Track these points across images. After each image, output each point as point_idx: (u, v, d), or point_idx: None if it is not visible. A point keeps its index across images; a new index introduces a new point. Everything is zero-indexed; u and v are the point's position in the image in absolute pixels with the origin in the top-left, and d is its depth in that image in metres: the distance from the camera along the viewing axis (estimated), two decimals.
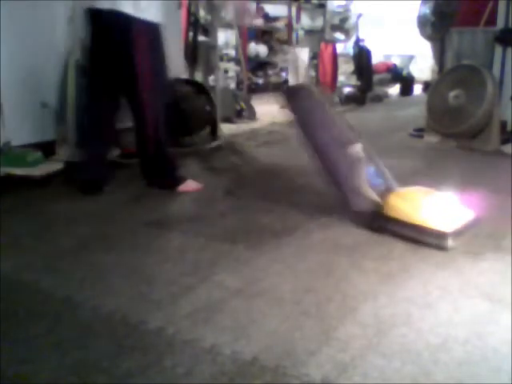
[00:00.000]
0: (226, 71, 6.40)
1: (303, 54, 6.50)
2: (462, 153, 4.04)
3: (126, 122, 3.03)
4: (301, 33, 8.84)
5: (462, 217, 2.24)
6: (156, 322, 1.61)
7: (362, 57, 7.04)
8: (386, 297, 1.77)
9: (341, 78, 7.20)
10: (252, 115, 5.65)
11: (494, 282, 1.88)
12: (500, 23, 4.20)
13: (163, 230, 2.41)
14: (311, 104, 2.60)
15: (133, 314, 1.66)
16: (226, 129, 4.73)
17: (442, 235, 2.14)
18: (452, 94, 4.12)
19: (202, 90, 4.29)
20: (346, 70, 7.55)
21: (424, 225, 2.18)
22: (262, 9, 8.53)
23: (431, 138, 4.38)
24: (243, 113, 5.58)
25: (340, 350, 1.46)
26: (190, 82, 4.37)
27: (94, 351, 1.46)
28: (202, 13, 5.25)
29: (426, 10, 5.00)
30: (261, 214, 2.60)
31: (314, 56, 6.92)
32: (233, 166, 3.66)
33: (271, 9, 8.71)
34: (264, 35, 8.63)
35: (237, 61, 6.90)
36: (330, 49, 6.67)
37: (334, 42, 7.42)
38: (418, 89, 8.42)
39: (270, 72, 8.73)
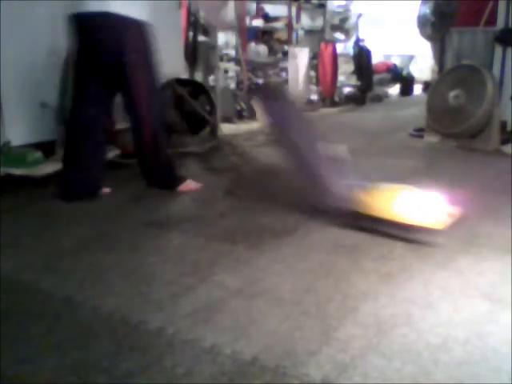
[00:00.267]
0: (226, 71, 6.40)
1: (303, 54, 6.50)
2: (462, 153, 4.04)
3: (124, 121, 3.03)
4: (301, 33, 8.83)
5: (439, 213, 2.23)
6: (156, 322, 1.61)
7: (362, 57, 7.04)
8: (386, 297, 1.77)
9: (341, 78, 7.20)
10: (252, 115, 5.65)
11: (494, 282, 1.88)
12: (500, 23, 4.20)
13: (163, 230, 2.41)
14: (283, 103, 2.61)
15: (133, 314, 1.66)
16: (226, 129, 4.73)
17: (417, 230, 2.20)
18: (452, 93, 4.12)
19: (202, 89, 4.30)
20: (346, 70, 7.54)
21: (400, 220, 2.22)
22: (262, 9, 8.53)
23: (431, 138, 4.38)
24: (243, 113, 5.58)
25: (340, 350, 1.46)
26: (190, 82, 4.37)
27: (94, 351, 1.46)
28: (202, 13, 5.24)
29: (426, 9, 5.00)
30: (261, 214, 2.60)
31: (314, 56, 6.92)
32: (233, 166, 3.66)
33: (271, 9, 8.71)
34: (264, 35, 8.63)
35: (237, 61, 6.91)
36: (329, 49, 6.67)
37: (334, 42, 7.41)
38: (418, 89, 8.42)
39: (270, 72, 8.74)
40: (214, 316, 1.65)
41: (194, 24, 4.85)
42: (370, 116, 6.25)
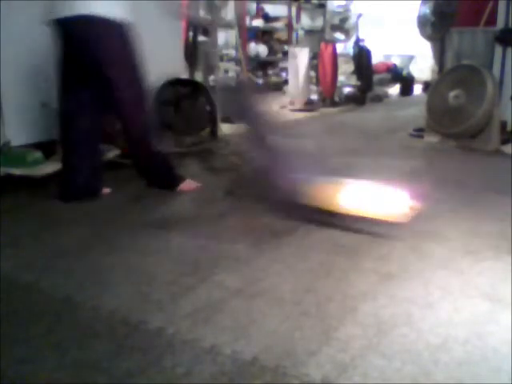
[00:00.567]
0: (226, 71, 6.40)
1: (303, 54, 6.50)
2: (461, 153, 4.04)
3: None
4: (301, 33, 8.84)
5: (397, 206, 2.28)
6: (156, 322, 1.61)
7: (362, 57, 7.04)
8: (386, 297, 1.77)
9: (341, 78, 7.20)
10: None
11: (494, 282, 1.88)
12: (500, 23, 4.20)
13: (163, 230, 2.41)
14: (241, 97, 2.62)
15: (133, 314, 1.66)
16: (225, 129, 4.73)
17: (362, 220, 2.28)
18: (452, 93, 4.11)
19: (202, 90, 4.29)
20: (346, 70, 7.55)
21: (347, 212, 2.32)
22: (262, 9, 8.54)
23: (431, 138, 4.38)
24: None
25: (340, 350, 1.46)
26: (190, 82, 4.37)
27: (94, 351, 1.46)
28: (202, 13, 5.24)
29: (426, 9, 5.00)
30: (261, 214, 2.60)
31: (314, 56, 6.91)
32: (233, 166, 3.66)
33: (271, 9, 8.72)
34: (264, 35, 8.64)
35: (237, 61, 6.91)
36: (330, 49, 6.66)
37: (334, 42, 7.41)
38: (418, 89, 8.42)
39: (270, 72, 8.74)
40: (213, 316, 1.65)
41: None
42: (370, 116, 6.25)
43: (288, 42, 8.60)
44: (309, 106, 6.48)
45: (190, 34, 4.79)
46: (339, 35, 9.26)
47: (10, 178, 2.91)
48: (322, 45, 6.77)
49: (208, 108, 4.27)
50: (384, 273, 1.95)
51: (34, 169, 3.01)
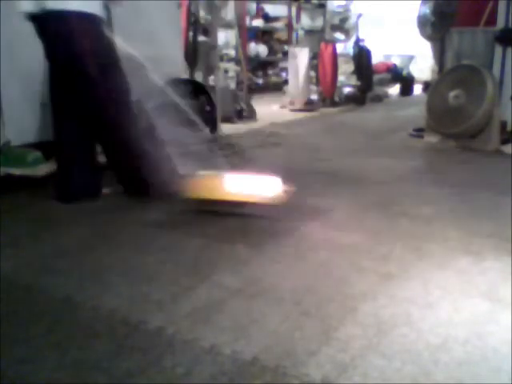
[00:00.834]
0: (226, 71, 6.40)
1: (303, 54, 6.50)
2: (461, 153, 4.04)
3: None
4: (301, 33, 8.84)
5: (273, 191, 2.46)
6: (156, 321, 1.61)
7: (362, 57, 7.04)
8: (386, 297, 1.77)
9: (341, 78, 7.20)
10: (252, 115, 5.65)
11: (494, 282, 1.88)
12: (500, 23, 4.20)
13: (163, 230, 2.41)
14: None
15: (133, 313, 1.66)
16: (225, 129, 4.73)
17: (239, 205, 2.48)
18: (452, 93, 4.11)
19: (202, 90, 4.30)
20: (346, 70, 7.55)
21: (228, 199, 2.48)
22: (262, 9, 8.54)
23: (431, 138, 4.38)
24: (243, 113, 5.59)
25: (340, 350, 1.46)
26: (190, 82, 4.37)
27: (94, 351, 1.46)
28: (201, 13, 5.25)
29: (426, 9, 4.99)
30: (260, 213, 2.59)
31: (314, 56, 6.92)
32: (233, 166, 3.66)
33: (271, 9, 8.72)
34: (264, 35, 8.64)
35: (237, 61, 6.91)
36: (330, 49, 6.66)
37: (334, 42, 7.41)
38: (418, 89, 8.42)
39: (270, 72, 8.74)
40: (213, 316, 1.65)
41: (193, 24, 4.85)
42: (370, 116, 6.25)
43: (288, 42, 8.60)
44: (309, 105, 6.49)
45: (190, 33, 4.79)
46: (339, 35, 9.26)
47: (10, 178, 2.91)
48: (322, 45, 6.77)
49: (208, 108, 4.27)
50: (384, 273, 1.95)
51: (34, 169, 3.00)
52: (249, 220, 2.52)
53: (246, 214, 2.52)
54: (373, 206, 2.74)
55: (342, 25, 9.46)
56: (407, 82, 8.40)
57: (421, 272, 1.96)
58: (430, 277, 1.92)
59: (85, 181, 2.82)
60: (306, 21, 9.25)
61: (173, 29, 4.14)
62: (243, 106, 5.61)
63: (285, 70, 8.03)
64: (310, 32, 9.02)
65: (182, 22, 4.65)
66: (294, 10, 8.62)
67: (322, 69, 6.69)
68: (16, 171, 2.93)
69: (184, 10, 4.69)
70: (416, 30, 5.25)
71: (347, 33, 9.27)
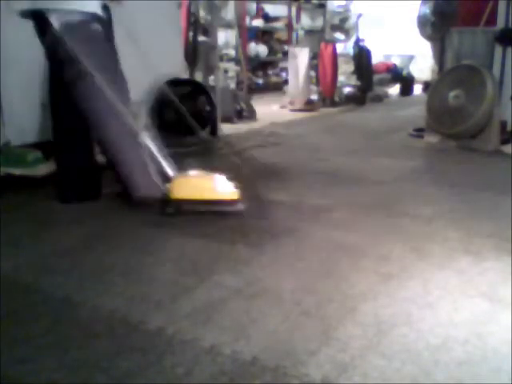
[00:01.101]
0: (225, 71, 6.41)
1: (303, 54, 6.50)
2: (461, 153, 4.04)
3: None
4: (301, 33, 8.85)
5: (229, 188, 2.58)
6: (156, 322, 1.61)
7: (362, 57, 7.04)
8: (385, 297, 1.77)
9: (341, 78, 7.20)
10: (252, 115, 5.65)
11: (494, 282, 1.88)
12: (500, 23, 4.20)
13: (163, 230, 2.41)
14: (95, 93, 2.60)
15: (133, 313, 1.66)
16: (226, 129, 4.73)
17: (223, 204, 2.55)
18: (452, 93, 4.12)
19: (202, 90, 4.30)
20: (345, 70, 7.55)
21: (213, 198, 2.55)
22: (262, 9, 8.54)
23: (431, 138, 4.38)
24: (243, 113, 5.59)
25: (340, 350, 1.46)
26: (190, 82, 4.37)
27: (94, 351, 1.46)
28: (202, 13, 5.25)
29: (426, 9, 5.00)
30: (260, 214, 2.59)
31: (314, 56, 6.92)
32: (233, 166, 3.66)
33: (271, 9, 8.72)
34: (264, 35, 8.64)
35: (237, 61, 6.91)
36: (329, 49, 6.66)
37: (334, 41, 7.42)
38: (418, 89, 8.42)
39: (270, 72, 8.74)
40: (213, 316, 1.65)
41: (193, 24, 4.85)
42: (370, 116, 6.25)
43: (288, 42, 8.60)
44: (309, 105, 6.48)
45: (190, 33, 4.79)
46: (339, 35, 9.27)
47: (10, 178, 2.91)
48: (322, 45, 6.77)
49: (208, 108, 4.27)
50: (384, 273, 1.95)
51: (34, 169, 3.00)
52: (249, 220, 2.52)
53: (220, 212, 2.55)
54: (373, 206, 2.74)
55: (342, 25, 9.46)
56: (407, 82, 8.40)
57: (421, 272, 1.96)
58: (430, 277, 1.92)
59: (85, 181, 2.82)
60: (306, 21, 9.25)
61: (173, 29, 4.13)
62: (243, 106, 5.61)
63: (285, 69, 8.03)
64: (310, 32, 9.03)
65: (182, 22, 4.64)
66: (294, 9, 8.62)
67: (322, 69, 6.69)
68: (16, 171, 2.93)
69: (184, 9, 4.69)
70: (416, 30, 5.25)
71: (347, 33, 9.28)
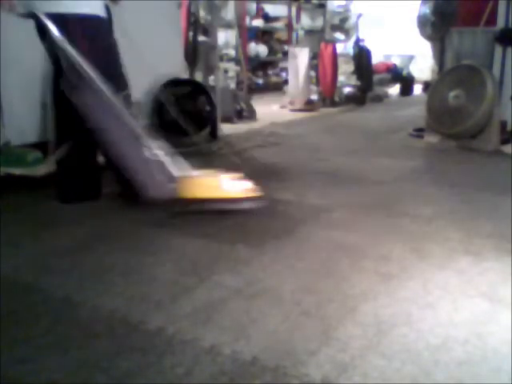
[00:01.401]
0: (225, 71, 6.41)
1: (303, 54, 6.50)
2: (461, 153, 4.04)
3: None
4: (301, 33, 8.85)
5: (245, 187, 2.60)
6: (156, 322, 1.61)
7: (362, 57, 7.04)
8: (386, 297, 1.77)
9: (341, 78, 7.20)
10: (252, 115, 5.65)
11: (494, 282, 1.88)
12: (500, 23, 4.20)
13: (163, 230, 2.41)
14: (99, 100, 2.60)
15: (133, 313, 1.66)
16: (226, 129, 4.73)
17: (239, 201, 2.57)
18: (452, 94, 4.12)
19: (202, 90, 4.30)
20: (345, 70, 7.55)
21: (224, 196, 2.57)
22: (262, 9, 8.54)
23: (431, 138, 4.38)
24: (243, 113, 5.59)
25: (340, 350, 1.46)
26: (190, 82, 4.37)
27: (94, 351, 1.46)
28: (202, 13, 5.25)
29: (426, 9, 4.99)
30: (261, 214, 2.59)
31: (314, 56, 6.92)
32: (233, 166, 3.66)
33: (271, 9, 8.72)
34: (264, 35, 8.64)
35: (237, 61, 6.91)
36: (329, 49, 6.66)
37: (334, 41, 7.42)
38: (418, 89, 8.42)
39: (270, 72, 8.74)
40: (213, 316, 1.65)
41: (193, 24, 4.85)
42: (370, 116, 6.25)
43: (288, 42, 8.60)
44: (309, 105, 6.49)
45: (190, 33, 4.79)
46: (339, 35, 9.27)
47: (10, 177, 2.91)
48: (322, 45, 6.77)
49: (208, 108, 4.27)
50: (384, 273, 1.95)
51: (34, 169, 3.00)
52: (249, 220, 2.52)
53: (232, 211, 2.56)
54: (373, 206, 2.74)
55: (342, 25, 9.46)
56: (407, 82, 8.40)
57: (421, 272, 1.96)
58: (430, 277, 1.92)
59: (85, 181, 2.82)
60: (306, 21, 9.25)
61: (173, 29, 4.13)
62: (243, 106, 5.61)
63: (285, 69, 8.03)
64: (310, 32, 9.03)
65: (182, 22, 4.64)
66: (294, 9, 8.62)
67: (322, 69, 6.69)
68: (16, 171, 2.93)
69: (184, 9, 4.69)
70: (416, 30, 5.25)
71: (347, 33, 9.28)
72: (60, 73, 2.64)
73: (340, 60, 7.08)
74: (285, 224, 2.47)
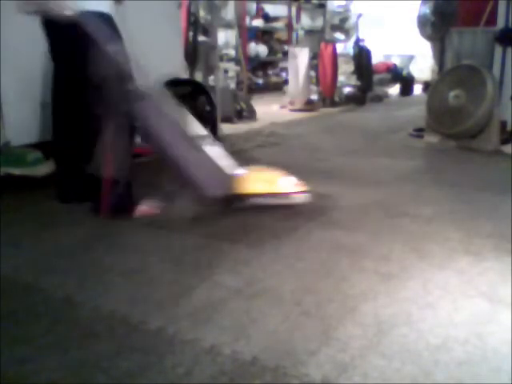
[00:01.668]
0: (225, 71, 6.41)
1: (303, 54, 6.50)
2: (461, 153, 4.04)
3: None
4: (301, 33, 8.85)
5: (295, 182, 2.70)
6: (156, 321, 1.61)
7: (361, 57, 7.05)
8: (385, 297, 1.77)
9: (341, 78, 7.20)
10: (252, 115, 5.66)
11: (494, 281, 1.88)
12: (500, 23, 4.20)
13: (163, 230, 2.41)
14: (151, 106, 2.60)
15: (133, 313, 1.66)
16: (225, 129, 4.73)
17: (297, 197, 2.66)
18: (452, 93, 4.12)
19: (202, 90, 4.30)
20: (345, 70, 7.55)
21: (278, 191, 2.66)
22: (262, 9, 8.54)
23: (431, 138, 4.38)
24: (243, 113, 5.59)
25: (340, 350, 1.46)
26: (190, 82, 4.37)
27: (94, 351, 1.46)
28: (202, 13, 5.25)
29: (426, 9, 5.00)
30: (261, 213, 2.60)
31: (314, 56, 6.92)
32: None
33: (271, 9, 8.73)
34: (264, 35, 8.64)
35: (237, 61, 6.91)
36: (329, 49, 6.67)
37: (334, 41, 7.42)
38: (418, 89, 8.42)
39: (270, 72, 8.74)
40: (214, 316, 1.65)
41: (194, 24, 4.85)
42: (370, 116, 6.25)
43: (288, 42, 8.61)
44: (309, 105, 6.49)
45: (190, 33, 4.79)
46: (339, 35, 9.27)
47: (10, 178, 2.91)
48: (322, 45, 6.77)
49: (208, 108, 4.27)
50: (384, 273, 1.95)
51: (34, 169, 3.00)
52: (249, 220, 2.53)
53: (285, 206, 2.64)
54: (373, 206, 2.74)
55: (342, 25, 9.47)
56: (407, 82, 8.41)
57: (421, 272, 1.96)
58: (430, 277, 1.92)
59: (85, 181, 2.81)
60: (306, 21, 9.25)
61: (173, 29, 4.13)
62: (243, 105, 5.62)
63: (285, 69, 8.03)
64: (310, 32, 9.03)
65: (182, 22, 4.64)
66: (294, 9, 8.62)
67: (322, 69, 6.69)
68: (16, 171, 2.93)
69: (184, 9, 4.69)
70: (416, 30, 5.26)
71: (347, 33, 9.28)
72: (62, 71, 2.63)
73: (340, 60, 7.09)
74: (285, 224, 2.47)
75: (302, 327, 1.58)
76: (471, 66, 4.08)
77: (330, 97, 6.82)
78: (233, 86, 6.23)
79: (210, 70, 4.88)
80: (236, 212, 2.60)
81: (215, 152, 2.64)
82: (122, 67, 2.44)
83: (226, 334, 1.54)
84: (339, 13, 9.44)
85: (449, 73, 4.32)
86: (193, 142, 2.58)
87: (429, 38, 5.24)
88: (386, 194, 2.97)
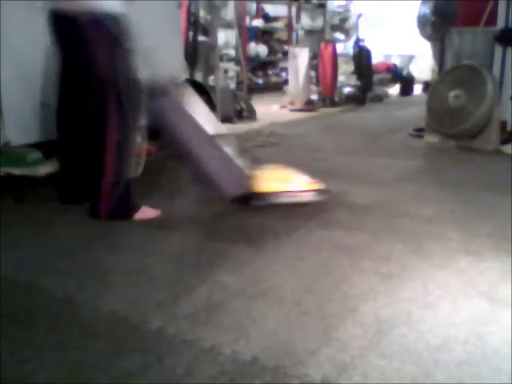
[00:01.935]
0: (225, 71, 6.41)
1: (303, 54, 6.50)
2: (461, 153, 4.04)
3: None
4: (301, 33, 8.85)
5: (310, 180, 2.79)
6: (156, 322, 1.61)
7: (361, 57, 7.04)
8: (386, 297, 1.77)
9: (341, 78, 7.20)
10: (252, 115, 5.66)
11: (494, 281, 1.88)
12: (500, 23, 4.20)
13: (163, 230, 2.41)
14: (169, 104, 2.61)
15: (133, 313, 1.66)
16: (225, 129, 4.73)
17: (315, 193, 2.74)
18: (452, 93, 4.12)
19: (202, 90, 4.29)
20: (345, 70, 7.55)
21: (295, 189, 2.74)
22: (262, 9, 8.54)
23: (431, 138, 4.38)
24: (243, 113, 5.59)
25: (340, 350, 1.46)
26: (190, 82, 4.37)
27: (94, 351, 1.46)
28: (202, 13, 5.25)
29: (426, 9, 5.00)
30: (261, 214, 2.60)
31: (314, 56, 6.92)
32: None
33: (271, 9, 8.73)
34: (264, 35, 8.64)
35: (237, 61, 6.91)
36: (329, 49, 6.66)
37: (334, 41, 7.42)
38: (418, 89, 8.42)
39: (270, 72, 8.74)
40: (214, 316, 1.65)
41: (194, 24, 4.85)
42: (370, 116, 6.25)
43: (288, 42, 8.60)
44: (309, 105, 6.49)
45: (190, 33, 4.79)
46: (339, 35, 9.27)
47: (10, 177, 2.91)
48: (322, 45, 6.77)
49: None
50: (384, 273, 1.95)
51: (34, 169, 3.00)
52: (249, 220, 2.53)
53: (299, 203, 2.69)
54: (373, 206, 2.74)
55: (342, 25, 9.46)
56: (407, 82, 8.40)
57: (421, 272, 1.96)
58: (430, 277, 1.92)
59: (85, 181, 2.81)
60: (306, 21, 9.25)
61: (173, 29, 4.13)
62: (243, 105, 5.62)
63: (285, 69, 8.03)
64: (310, 32, 9.03)
65: (182, 22, 4.64)
66: (294, 9, 8.62)
67: (322, 69, 6.69)
68: (16, 171, 2.93)
69: (184, 9, 4.69)
70: (416, 30, 5.25)
71: (347, 33, 9.28)
72: (68, 71, 2.63)
73: (340, 60, 7.08)
74: (285, 224, 2.47)
75: (302, 327, 1.58)
76: (471, 66, 4.08)
77: (329, 97, 6.82)
78: (233, 85, 6.23)
79: (209, 70, 4.89)
80: (238, 212, 2.61)
81: (233, 151, 2.68)
82: (148, 67, 2.49)
83: (226, 334, 1.54)
84: (339, 13, 9.44)
85: (449, 73, 4.32)
86: (213, 141, 2.61)
87: (429, 38, 5.24)
88: (386, 193, 2.97)
